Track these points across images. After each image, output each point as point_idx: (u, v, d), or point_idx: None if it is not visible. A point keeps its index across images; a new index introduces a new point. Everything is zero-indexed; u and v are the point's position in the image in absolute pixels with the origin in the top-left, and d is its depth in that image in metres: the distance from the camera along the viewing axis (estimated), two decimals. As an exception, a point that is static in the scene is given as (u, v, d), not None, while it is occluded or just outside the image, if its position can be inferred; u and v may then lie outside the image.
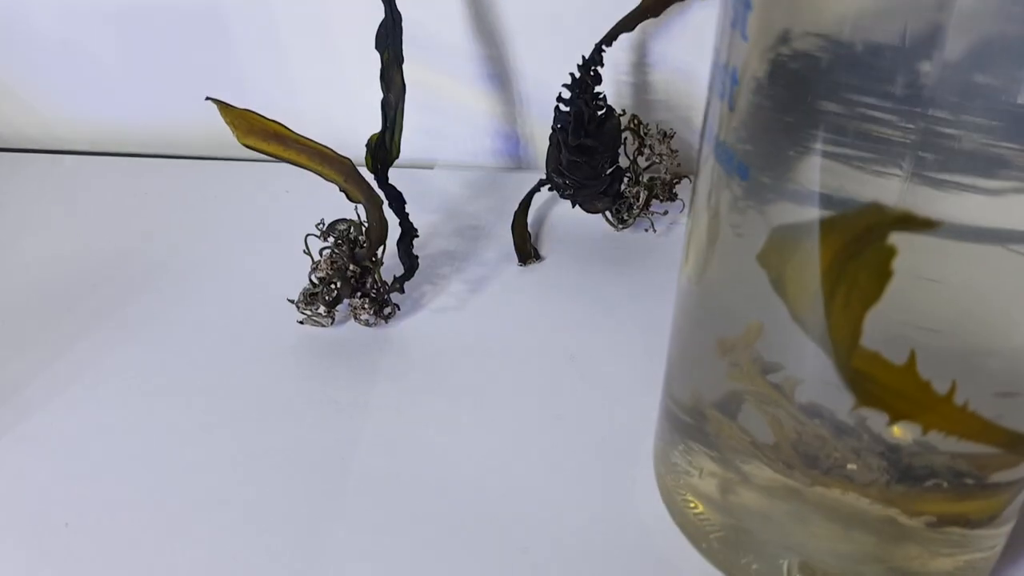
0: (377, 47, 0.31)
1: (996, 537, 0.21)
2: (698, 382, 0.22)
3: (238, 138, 0.28)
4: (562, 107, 0.33)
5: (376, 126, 0.30)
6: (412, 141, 0.34)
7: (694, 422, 0.22)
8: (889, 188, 0.16)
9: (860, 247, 0.17)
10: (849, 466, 0.19)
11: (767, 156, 0.17)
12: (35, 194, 0.40)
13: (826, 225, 0.17)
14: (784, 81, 0.16)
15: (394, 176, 0.30)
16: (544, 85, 0.36)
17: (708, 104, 0.19)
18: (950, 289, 0.17)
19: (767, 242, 0.18)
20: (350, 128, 0.33)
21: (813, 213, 0.17)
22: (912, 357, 0.17)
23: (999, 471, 0.19)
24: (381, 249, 0.29)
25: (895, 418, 0.18)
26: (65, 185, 0.40)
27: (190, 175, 0.40)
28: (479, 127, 0.38)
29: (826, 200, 0.17)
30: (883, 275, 0.16)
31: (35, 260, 0.35)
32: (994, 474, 0.19)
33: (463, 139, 0.39)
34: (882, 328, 0.17)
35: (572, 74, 0.33)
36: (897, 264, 0.16)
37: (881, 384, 0.18)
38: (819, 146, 0.16)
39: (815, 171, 0.16)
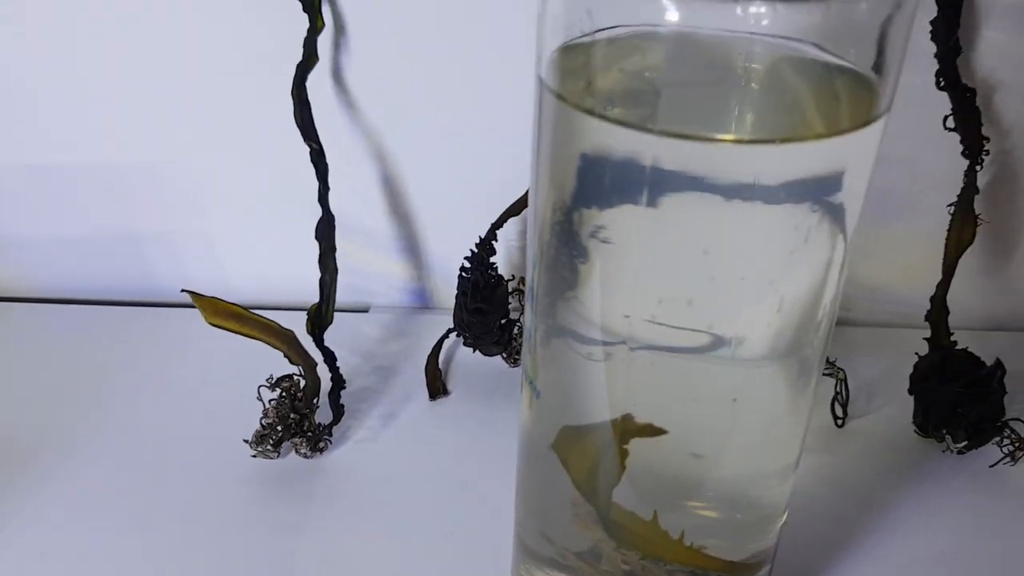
0: (316, 238, 0.40)
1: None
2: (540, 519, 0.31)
3: (206, 318, 0.37)
4: (463, 275, 0.43)
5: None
6: (346, 293, 0.43)
7: (537, 547, 0.31)
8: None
9: (608, 446, 0.26)
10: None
11: (552, 383, 0.26)
12: None
13: (590, 431, 0.26)
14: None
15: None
16: (449, 260, 0.46)
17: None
18: (672, 467, 0.26)
19: (557, 435, 0.27)
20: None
21: (585, 424, 0.26)
22: (655, 516, 0.26)
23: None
24: (316, 399, 0.38)
25: (645, 554, 0.27)
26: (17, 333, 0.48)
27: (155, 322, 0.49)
28: (397, 287, 0.48)
29: (590, 419, 0.26)
30: (621, 466, 0.25)
31: None
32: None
33: (385, 295, 0.48)
34: (627, 496, 0.26)
35: (472, 249, 0.42)
36: (629, 460, 0.25)
37: (634, 532, 0.27)
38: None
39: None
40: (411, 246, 0.46)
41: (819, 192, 0.22)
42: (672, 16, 0.20)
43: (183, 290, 0.36)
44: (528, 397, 0.28)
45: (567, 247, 0.24)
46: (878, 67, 0.22)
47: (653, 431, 0.25)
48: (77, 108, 0.43)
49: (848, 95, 0.23)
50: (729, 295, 0.22)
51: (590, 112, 0.21)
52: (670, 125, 0.20)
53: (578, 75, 0.23)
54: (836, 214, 0.22)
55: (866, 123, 0.22)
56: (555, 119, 0.23)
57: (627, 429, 0.25)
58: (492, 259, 0.42)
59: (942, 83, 0.39)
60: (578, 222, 0.23)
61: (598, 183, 0.22)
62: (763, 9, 0.20)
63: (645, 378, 0.24)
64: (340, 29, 0.40)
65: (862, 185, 0.23)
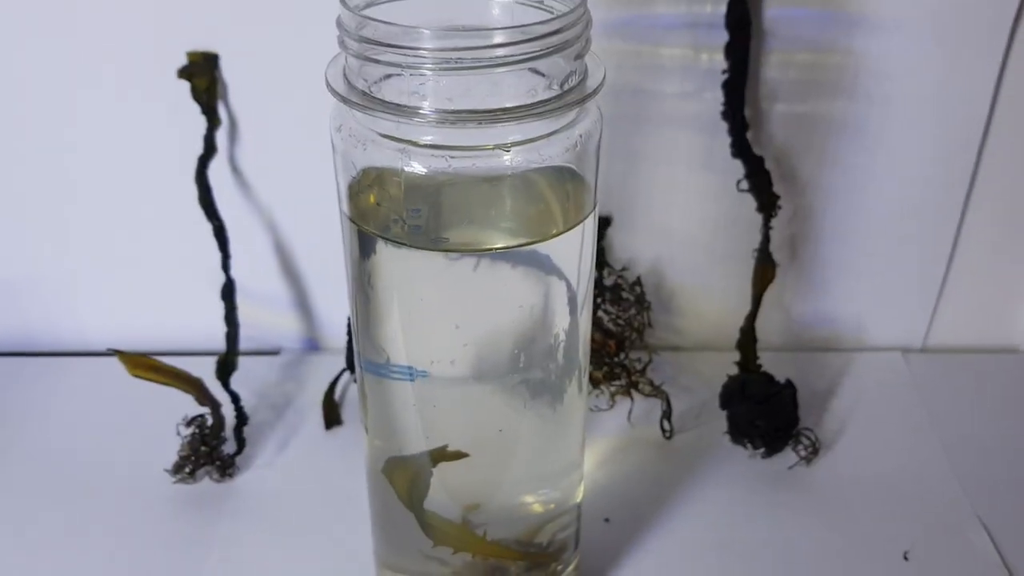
0: (222, 298, 0.48)
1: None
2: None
3: (128, 371, 0.44)
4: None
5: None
6: (250, 342, 0.51)
7: (384, 552, 0.39)
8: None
9: (422, 468, 0.34)
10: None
11: (375, 421, 0.34)
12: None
13: (407, 460, 0.34)
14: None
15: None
16: (336, 308, 0.53)
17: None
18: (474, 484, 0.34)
19: (385, 463, 0.35)
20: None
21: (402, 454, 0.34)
22: (464, 520, 0.34)
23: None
24: (222, 433, 0.46)
25: (457, 550, 0.35)
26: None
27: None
28: (292, 334, 0.55)
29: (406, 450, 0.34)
30: (427, 484, 0.33)
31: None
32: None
33: (282, 341, 0.56)
34: (439, 505, 0.34)
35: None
36: (434, 479, 0.33)
37: (446, 533, 0.35)
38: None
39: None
40: (302, 300, 0.54)
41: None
42: (420, 169, 0.28)
43: (109, 349, 0.44)
44: (363, 432, 0.36)
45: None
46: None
47: (458, 455, 0.33)
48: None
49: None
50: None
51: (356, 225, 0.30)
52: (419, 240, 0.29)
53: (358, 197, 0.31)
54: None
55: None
56: (348, 230, 0.31)
57: (437, 456, 0.33)
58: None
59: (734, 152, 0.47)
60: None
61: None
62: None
63: (436, 409, 0.33)
64: (233, 124, 0.48)
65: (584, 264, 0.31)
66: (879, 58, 0.46)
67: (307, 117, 0.44)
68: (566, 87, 0.28)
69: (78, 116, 0.48)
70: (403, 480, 0.34)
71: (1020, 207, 0.51)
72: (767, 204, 0.48)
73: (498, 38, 0.26)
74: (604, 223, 0.51)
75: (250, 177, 0.49)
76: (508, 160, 0.28)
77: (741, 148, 0.47)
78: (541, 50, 0.26)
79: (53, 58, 0.46)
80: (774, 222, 0.48)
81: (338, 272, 0.44)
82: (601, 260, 0.51)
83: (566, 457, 0.36)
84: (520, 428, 0.34)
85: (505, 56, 0.26)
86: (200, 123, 0.46)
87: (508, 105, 0.27)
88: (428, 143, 0.27)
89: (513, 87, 0.27)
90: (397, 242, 0.30)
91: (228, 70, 0.46)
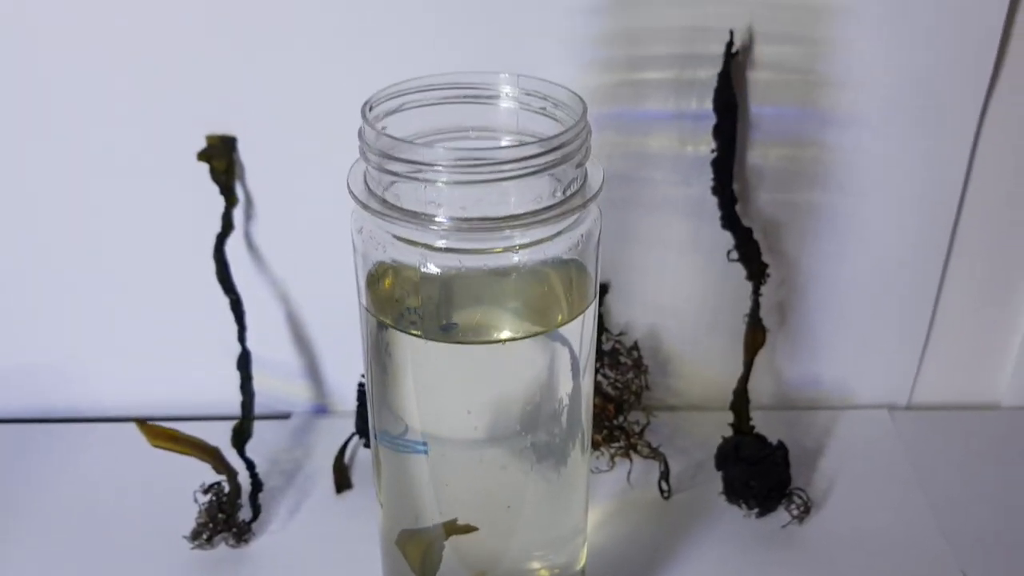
0: (237, 368, 0.50)
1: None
2: None
3: (149, 441, 0.46)
4: (361, 387, 0.52)
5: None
6: (263, 407, 0.53)
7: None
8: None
9: (435, 541, 0.36)
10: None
11: (389, 494, 0.36)
12: None
13: (420, 532, 0.36)
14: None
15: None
16: (345, 374, 0.56)
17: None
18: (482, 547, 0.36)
19: (399, 535, 0.37)
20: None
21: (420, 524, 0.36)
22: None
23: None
24: (239, 500, 0.48)
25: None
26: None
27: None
28: (303, 400, 0.57)
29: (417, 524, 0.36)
30: (440, 556, 0.35)
31: None
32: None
33: (294, 406, 0.58)
34: (449, 570, 0.36)
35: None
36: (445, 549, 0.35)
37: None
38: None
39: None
40: (312, 366, 0.56)
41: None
42: (435, 270, 0.31)
43: (133, 420, 0.46)
44: (378, 507, 0.38)
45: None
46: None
47: (468, 529, 0.36)
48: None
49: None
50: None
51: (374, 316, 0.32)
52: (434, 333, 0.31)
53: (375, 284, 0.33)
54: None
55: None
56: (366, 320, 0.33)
57: (449, 529, 0.36)
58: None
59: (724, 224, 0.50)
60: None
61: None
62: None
63: (447, 479, 0.35)
64: (249, 201, 0.50)
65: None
66: (852, 151, 0.49)
67: (317, 195, 0.47)
68: (568, 192, 0.31)
69: (102, 194, 0.50)
70: (416, 552, 0.36)
71: (993, 274, 0.54)
72: (756, 272, 0.50)
73: (507, 154, 0.28)
74: (602, 290, 0.53)
75: (264, 251, 0.52)
76: (516, 259, 0.31)
77: (731, 220, 0.49)
78: (546, 164, 0.29)
79: (80, 140, 0.49)
80: (763, 289, 0.50)
81: (346, 339, 0.46)
82: (600, 325, 0.53)
83: (570, 521, 0.38)
84: (527, 493, 0.36)
85: (513, 170, 0.28)
86: (218, 202, 0.49)
87: (516, 212, 0.29)
88: (442, 247, 0.30)
89: (520, 195, 0.30)
90: (411, 333, 0.32)
91: (245, 151, 0.49)
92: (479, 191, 0.29)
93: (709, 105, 0.47)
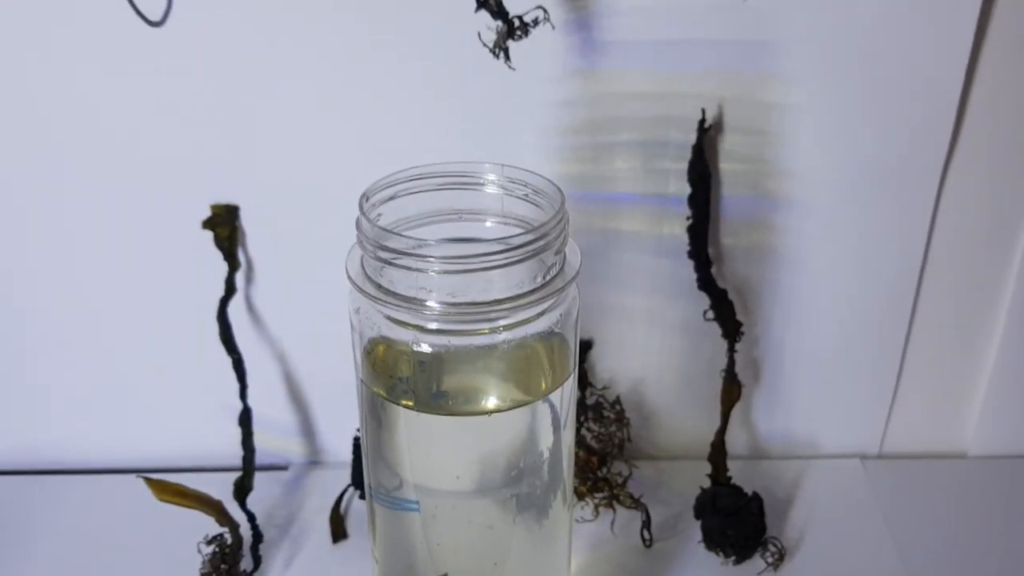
0: (239, 424, 0.52)
1: None
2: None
3: (155, 495, 0.49)
4: (357, 441, 0.55)
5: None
6: (263, 458, 0.55)
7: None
8: None
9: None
10: None
11: (383, 551, 0.39)
12: None
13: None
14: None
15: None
16: (341, 428, 0.58)
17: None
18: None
19: (395, 589, 0.39)
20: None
21: None
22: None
23: None
24: (240, 551, 0.50)
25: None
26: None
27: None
28: (299, 453, 0.60)
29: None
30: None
31: None
32: None
33: (291, 459, 0.60)
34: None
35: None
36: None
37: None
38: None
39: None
40: (308, 421, 0.59)
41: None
42: (426, 349, 0.33)
43: (139, 475, 0.48)
44: (373, 562, 0.40)
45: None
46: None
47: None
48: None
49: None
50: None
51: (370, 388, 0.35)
52: (426, 403, 0.34)
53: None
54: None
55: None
56: (362, 390, 0.36)
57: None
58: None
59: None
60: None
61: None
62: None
63: (438, 535, 0.37)
64: (250, 266, 0.53)
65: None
66: (813, 229, 0.53)
67: (314, 260, 0.50)
68: (549, 276, 0.33)
69: (114, 257, 0.53)
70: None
71: (957, 330, 0.57)
72: (731, 331, 0.53)
73: (491, 248, 0.31)
74: (586, 346, 0.56)
75: (262, 313, 0.54)
76: (500, 337, 0.33)
77: (706, 282, 0.52)
78: (527, 253, 0.32)
79: (90, 208, 0.52)
80: (738, 347, 0.53)
81: (340, 396, 0.49)
82: (584, 380, 0.56)
83: (554, 572, 0.41)
84: (511, 546, 0.39)
85: (498, 261, 0.31)
86: (221, 267, 0.51)
87: (500, 297, 0.32)
88: (433, 328, 0.33)
89: (504, 281, 0.32)
90: (403, 404, 0.35)
91: (247, 219, 0.52)
92: (467, 279, 0.32)
93: (674, 188, 0.51)
